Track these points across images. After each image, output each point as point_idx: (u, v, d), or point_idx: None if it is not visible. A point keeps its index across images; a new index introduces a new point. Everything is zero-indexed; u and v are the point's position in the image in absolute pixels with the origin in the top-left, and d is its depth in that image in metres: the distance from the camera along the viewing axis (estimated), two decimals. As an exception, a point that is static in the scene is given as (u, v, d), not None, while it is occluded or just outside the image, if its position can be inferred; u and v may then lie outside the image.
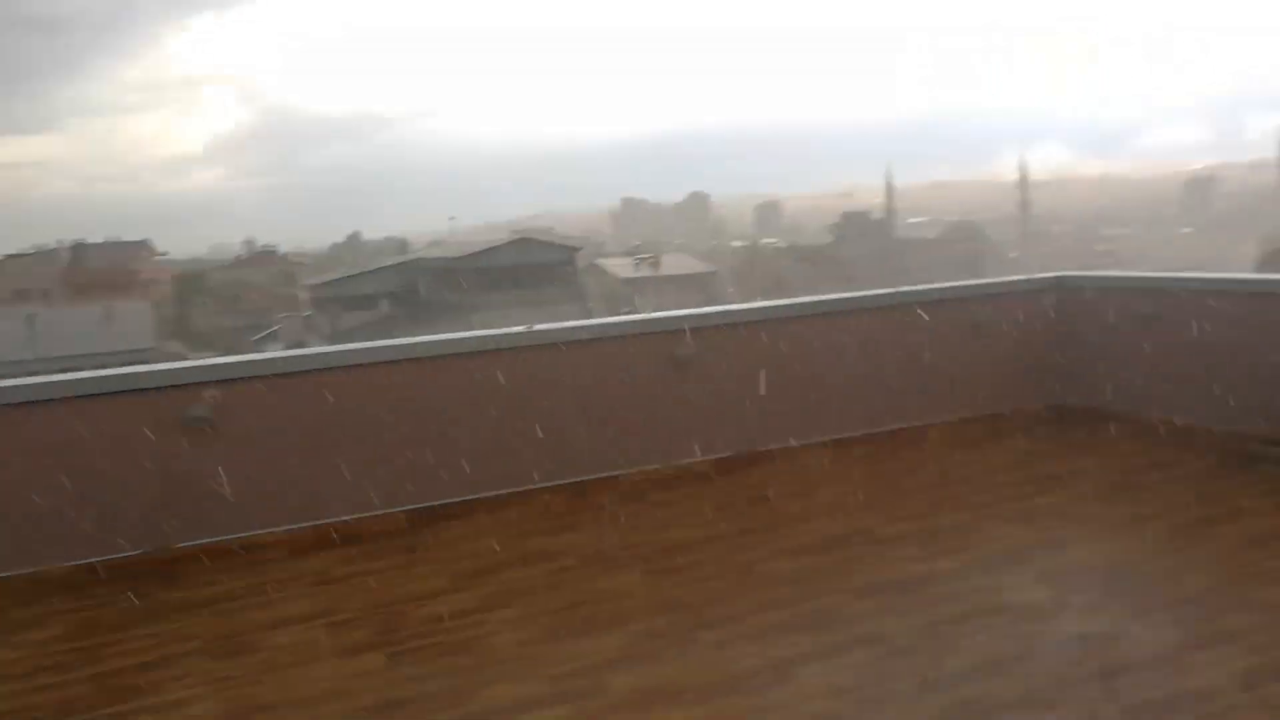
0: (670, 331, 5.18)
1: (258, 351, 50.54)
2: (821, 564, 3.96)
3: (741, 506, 4.82)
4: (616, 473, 5.00)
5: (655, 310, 6.21)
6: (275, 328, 53.80)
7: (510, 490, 4.79)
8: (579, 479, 4.93)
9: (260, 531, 4.37)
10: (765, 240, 65.27)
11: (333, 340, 45.76)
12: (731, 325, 5.40)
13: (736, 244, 64.25)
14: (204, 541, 4.29)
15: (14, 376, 4.56)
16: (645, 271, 48.68)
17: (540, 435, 4.83)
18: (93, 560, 4.11)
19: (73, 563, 4.07)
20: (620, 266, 51.76)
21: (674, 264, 49.80)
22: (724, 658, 3.16)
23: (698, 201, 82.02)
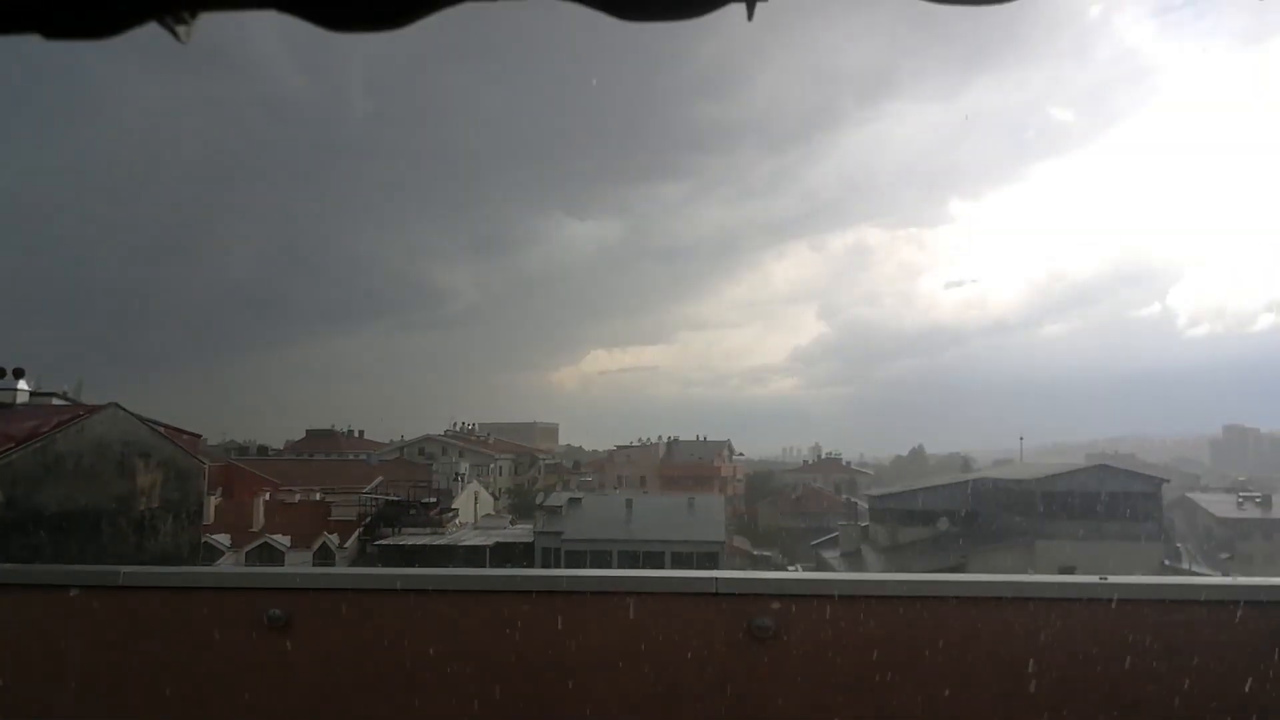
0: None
1: (816, 555, 52.16)
2: None
3: None
4: None
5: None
6: (834, 534, 55.36)
7: None
8: None
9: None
10: None
11: (889, 554, 45.73)
12: None
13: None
14: None
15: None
16: (1252, 512, 41.91)
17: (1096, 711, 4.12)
18: None
19: None
20: (1218, 503, 45.41)
21: (1291, 507, 42.24)
22: None
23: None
